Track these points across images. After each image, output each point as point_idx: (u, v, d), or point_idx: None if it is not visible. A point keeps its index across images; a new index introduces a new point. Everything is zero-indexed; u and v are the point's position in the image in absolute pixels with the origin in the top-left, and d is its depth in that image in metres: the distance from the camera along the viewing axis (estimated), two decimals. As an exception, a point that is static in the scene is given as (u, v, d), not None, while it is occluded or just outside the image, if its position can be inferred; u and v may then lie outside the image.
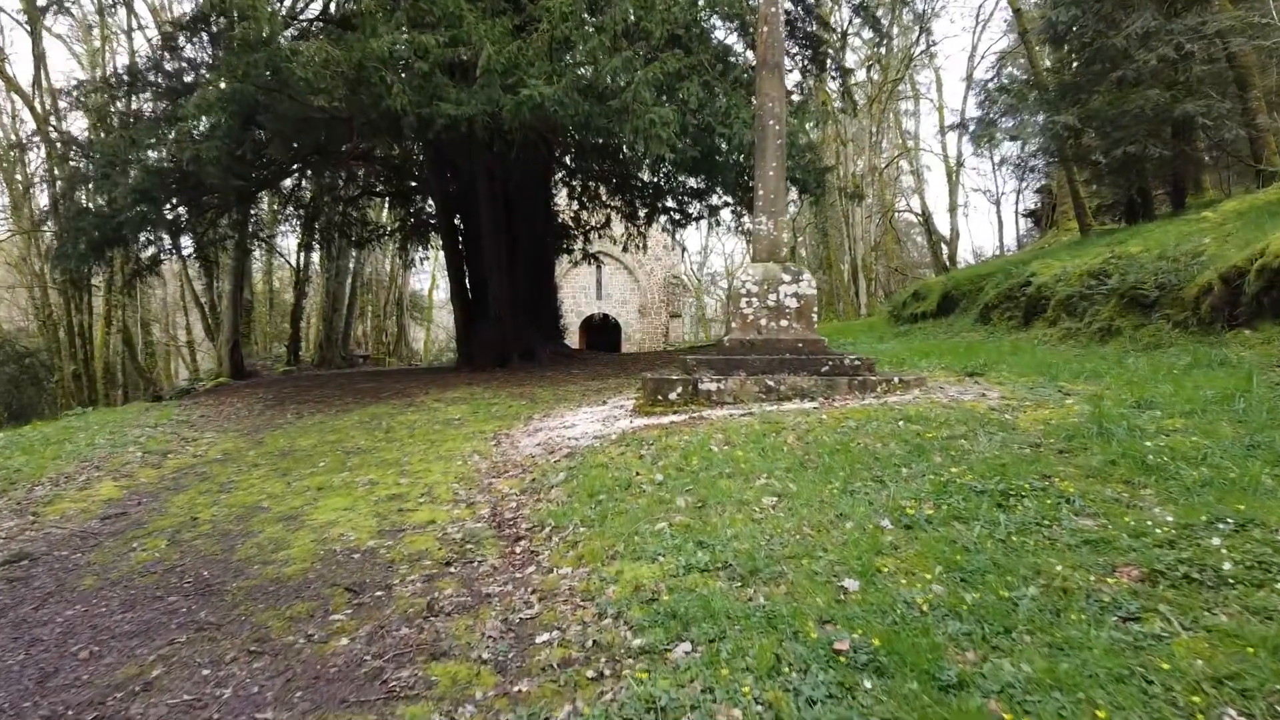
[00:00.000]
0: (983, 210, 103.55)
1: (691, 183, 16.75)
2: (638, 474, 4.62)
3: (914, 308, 15.55)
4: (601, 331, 35.21)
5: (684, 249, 37.50)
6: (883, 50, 25.95)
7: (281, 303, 27.74)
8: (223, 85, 10.39)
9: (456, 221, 14.75)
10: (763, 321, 7.27)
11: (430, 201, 15.58)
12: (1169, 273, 8.64)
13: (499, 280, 13.55)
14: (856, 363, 6.95)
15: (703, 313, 54.45)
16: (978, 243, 73.26)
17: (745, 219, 16.51)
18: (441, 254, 18.08)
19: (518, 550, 3.75)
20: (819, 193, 15.42)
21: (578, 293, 34.44)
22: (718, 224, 18.03)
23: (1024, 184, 27.90)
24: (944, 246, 27.98)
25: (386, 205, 17.65)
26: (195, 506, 5.21)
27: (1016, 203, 27.34)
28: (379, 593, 3.36)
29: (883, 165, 26.69)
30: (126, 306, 20.52)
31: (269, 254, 22.82)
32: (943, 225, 37.03)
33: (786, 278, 7.30)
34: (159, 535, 4.60)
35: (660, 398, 6.73)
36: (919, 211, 27.70)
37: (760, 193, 7.54)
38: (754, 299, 7.28)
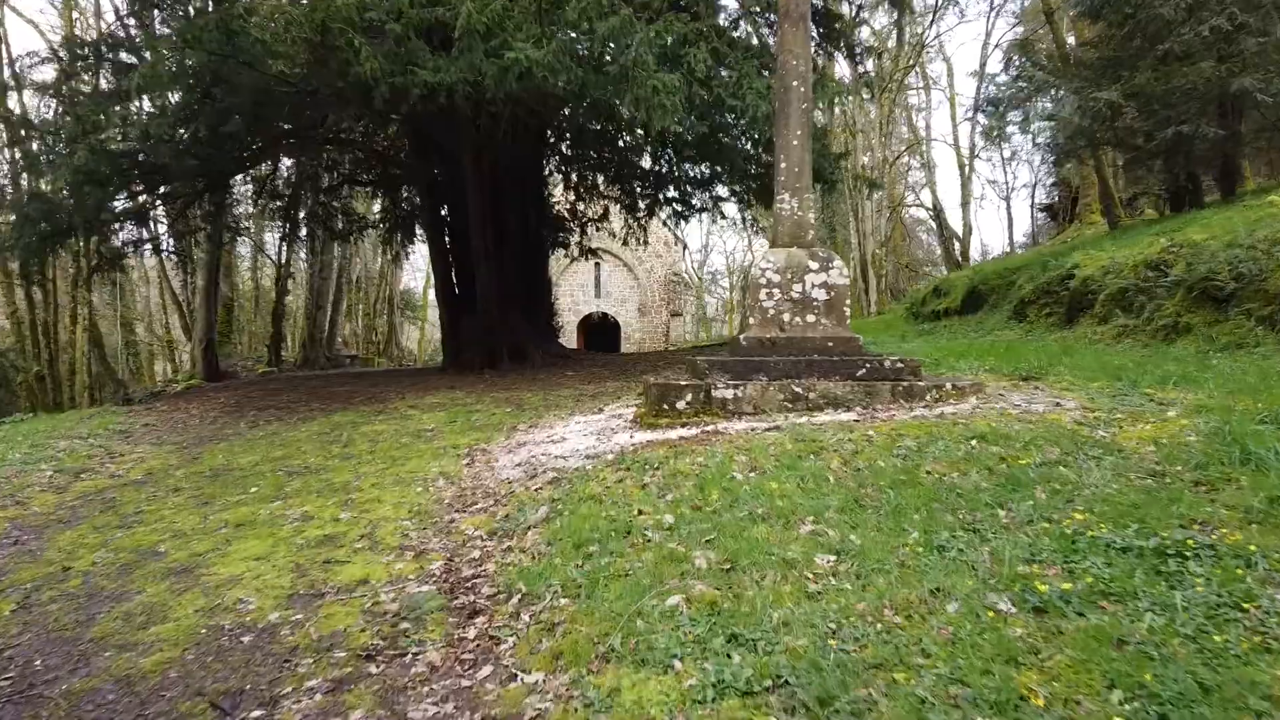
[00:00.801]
0: (990, 208, 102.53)
1: (695, 172, 15.67)
2: (640, 512, 3.52)
3: (935, 304, 14.47)
4: (600, 331, 34.13)
5: (685, 246, 36.42)
6: (891, 42, 24.89)
7: (269, 301, 26.64)
8: (176, 55, 9.30)
9: (443, 212, 13.65)
10: (786, 316, 6.17)
11: (417, 191, 14.46)
12: (1247, 262, 7.55)
13: (487, 274, 12.45)
14: (899, 365, 5.85)
15: (703, 312, 53.36)
16: (985, 240, 72.18)
17: (753, 211, 15.42)
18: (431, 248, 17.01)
19: (471, 634, 2.65)
20: (834, 179, 14.31)
21: (576, 290, 33.37)
22: (723, 216, 16.95)
23: (1037, 178, 26.83)
24: (955, 242, 26.90)
25: (370, 196, 16.54)
26: (78, 549, 4.11)
27: (1032, 196, 26.35)
28: (256, 712, 2.26)
29: (893, 158, 25.59)
30: (94, 303, 19.40)
31: (256, 250, 21.70)
32: (953, 221, 35.97)
33: (814, 265, 6.20)
34: (9, 595, 3.50)
35: (666, 407, 5.63)
36: (930, 206, 26.63)
37: (782, 165, 6.44)
38: (775, 290, 6.17)
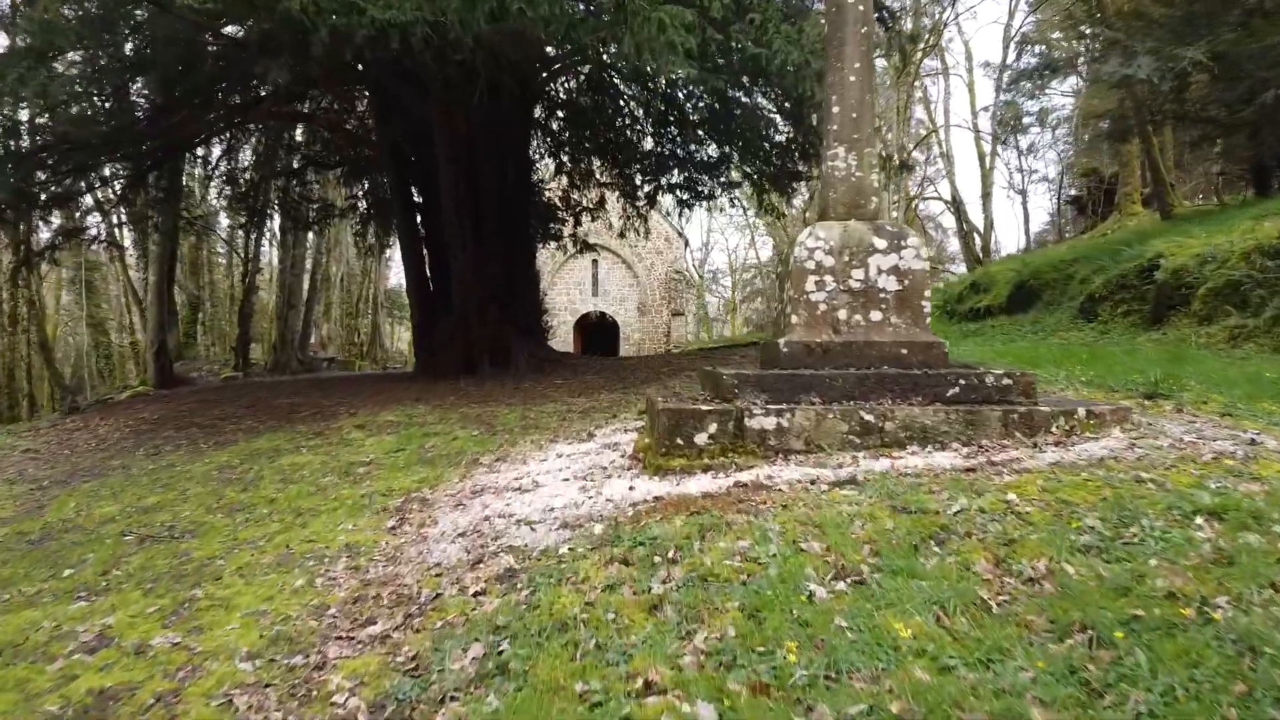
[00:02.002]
0: (1002, 202, 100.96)
1: (702, 154, 14.00)
2: (648, 686, 1.85)
3: (974, 301, 12.81)
4: (598, 331, 32.48)
5: (686, 241, 34.76)
6: (908, 23, 23.19)
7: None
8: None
9: (415, 197, 11.97)
10: (842, 314, 4.50)
11: (383, 169, 12.75)
12: None
13: (464, 266, 10.78)
14: (1005, 381, 4.18)
15: (705, 312, 51.69)
16: (999, 236, 70.41)
17: (768, 196, 13.75)
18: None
19: None
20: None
21: (572, 289, 31.71)
22: (733, 203, 15.27)
23: (1063, 168, 25.18)
24: (976, 237, 25.26)
25: (340, 182, 14.89)
26: None
27: (1059, 188, 24.69)
28: None
29: (912, 145, 23.93)
30: (53, 303, 17.71)
31: (230, 243, 19.99)
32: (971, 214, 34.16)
33: (880, 243, 4.54)
34: None
35: (680, 442, 3.96)
36: (949, 198, 24.96)
37: (834, 110, 4.77)
38: (828, 278, 4.50)
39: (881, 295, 4.50)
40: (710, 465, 3.79)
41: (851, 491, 3.12)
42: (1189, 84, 10.78)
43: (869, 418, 3.91)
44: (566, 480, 4.10)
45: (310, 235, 19.56)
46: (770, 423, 3.91)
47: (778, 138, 12.61)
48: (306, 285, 19.31)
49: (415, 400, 8.73)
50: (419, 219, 11.88)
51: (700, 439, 3.94)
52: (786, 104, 10.74)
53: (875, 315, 4.50)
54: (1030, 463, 3.45)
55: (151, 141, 11.08)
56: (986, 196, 24.53)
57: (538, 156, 15.28)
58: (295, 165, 13.47)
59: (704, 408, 4.03)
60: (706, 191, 14.70)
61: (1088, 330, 8.99)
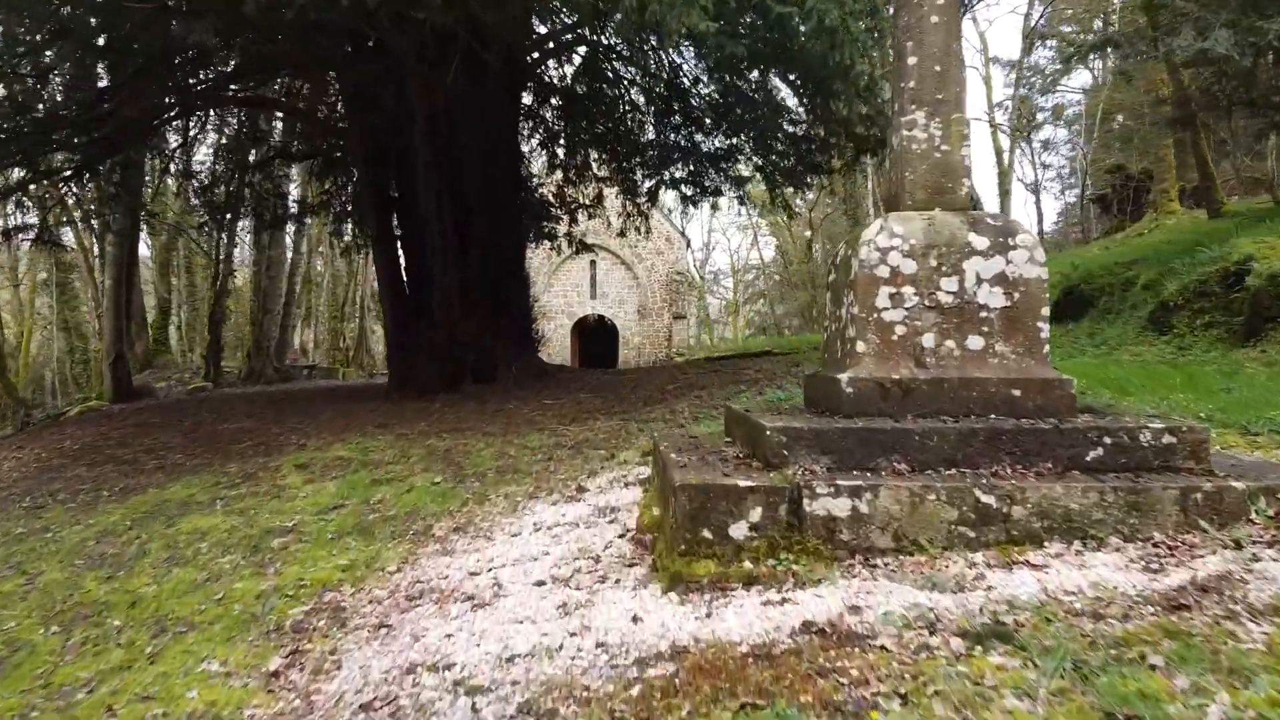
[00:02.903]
0: (1017, 200, 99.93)
1: (709, 146, 12.75)
2: None
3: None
4: (596, 335, 31.25)
5: (688, 242, 33.53)
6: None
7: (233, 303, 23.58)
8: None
9: (393, 193, 10.72)
10: (928, 339, 3.24)
11: (353, 158, 11.48)
12: None
13: (444, 268, 9.53)
14: (1166, 439, 2.92)
15: (706, 314, 50.40)
16: None
17: (781, 191, 12.48)
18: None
19: None
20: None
21: (569, 290, 30.48)
22: (743, 201, 14.03)
23: (1089, 164, 23.95)
24: (994, 237, 23.90)
25: (312, 176, 13.63)
26: None
27: (1082, 186, 23.44)
28: None
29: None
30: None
31: (200, 243, 18.70)
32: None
33: (979, 241, 3.28)
34: None
35: (709, 535, 2.70)
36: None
37: (909, 62, 3.52)
38: (908, 290, 3.24)
39: (983, 314, 3.25)
40: (755, 576, 2.54)
41: (1005, 657, 1.86)
42: (1262, 63, 9.55)
43: (987, 499, 2.65)
44: (541, 585, 2.84)
45: (290, 233, 18.31)
46: (841, 506, 2.65)
47: (790, 128, 11.38)
48: (284, 287, 18.03)
49: (379, 426, 7.48)
50: (394, 216, 10.62)
51: (738, 531, 2.68)
52: (807, 86, 9.50)
53: (974, 342, 3.24)
54: (1256, 588, 2.20)
55: (96, 130, 9.82)
56: (1005, 195, 23.29)
57: (530, 149, 14.05)
58: (263, 157, 12.19)
59: (741, 482, 2.77)
60: (713, 187, 13.44)
61: (1161, 345, 7.74)
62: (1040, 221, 35.06)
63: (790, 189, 12.15)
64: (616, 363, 30.37)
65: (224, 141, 11.96)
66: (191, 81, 10.27)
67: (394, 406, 8.90)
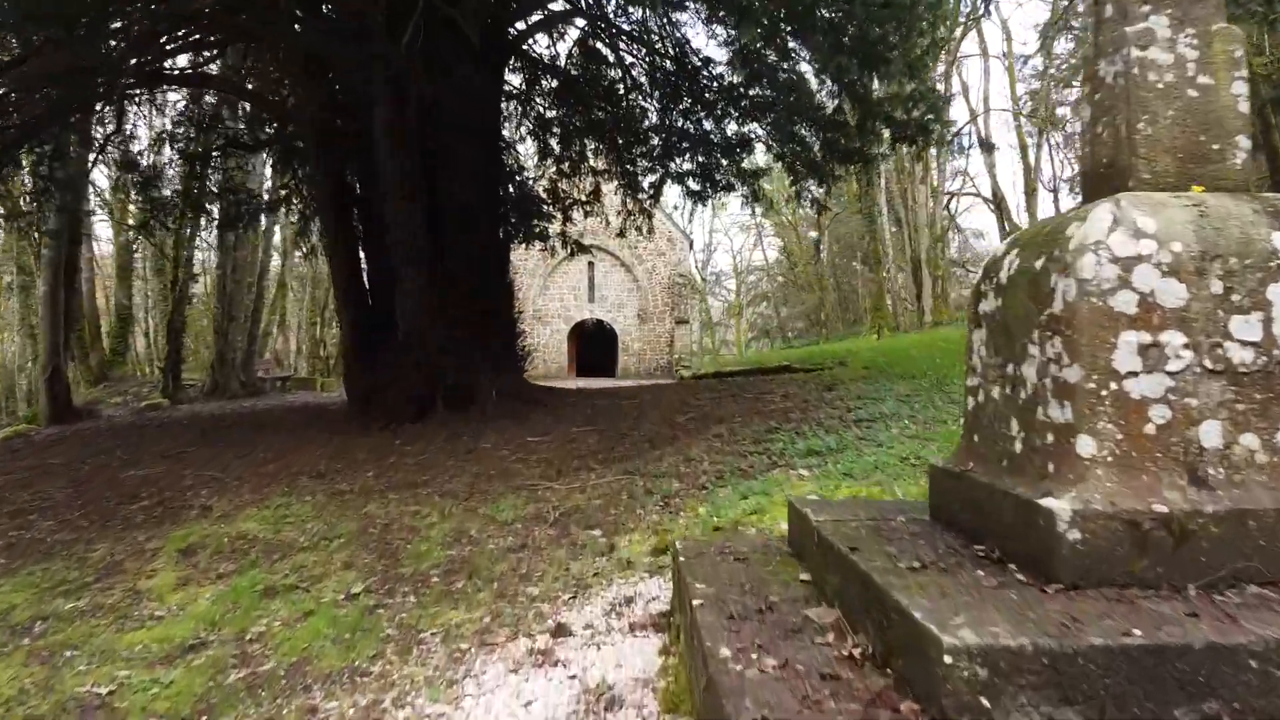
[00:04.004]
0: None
1: (717, 135, 11.21)
2: None
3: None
4: (594, 340, 29.76)
5: (692, 242, 31.99)
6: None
7: (196, 313, 21.93)
8: None
9: (349, 179, 9.18)
10: (1212, 435, 1.70)
11: (305, 139, 9.87)
12: None
13: (412, 275, 8.00)
14: None
15: (709, 316, 48.81)
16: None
17: (803, 186, 10.93)
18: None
19: None
20: (935, 135, 9.86)
21: (566, 294, 28.98)
22: (756, 198, 12.48)
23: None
24: (1019, 237, 22.44)
25: (276, 168, 12.09)
26: None
27: (1114, 182, 21.92)
28: None
29: (950, 135, 21.15)
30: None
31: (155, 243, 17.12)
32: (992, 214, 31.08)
33: (1296, 246, 1.74)
34: None
35: None
36: (990, 194, 22.19)
37: (1141, -71, 1.97)
38: (1174, 336, 1.70)
39: (1318, 384, 1.71)
40: None
41: None
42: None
43: None
44: None
45: (261, 231, 16.75)
46: None
47: (818, 111, 9.86)
48: (253, 292, 16.47)
49: (317, 476, 5.94)
50: (355, 212, 9.07)
51: None
52: (845, 59, 7.97)
53: (1302, 438, 1.70)
54: None
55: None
56: (1032, 193, 21.79)
57: (519, 137, 12.53)
58: (212, 145, 10.64)
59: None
60: (724, 181, 11.89)
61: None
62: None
63: (815, 183, 10.60)
64: (616, 369, 28.83)
65: (167, 129, 10.40)
66: (117, 56, 8.72)
67: (347, 441, 7.36)
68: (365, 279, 8.89)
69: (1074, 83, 31.24)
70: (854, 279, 41.90)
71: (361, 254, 8.97)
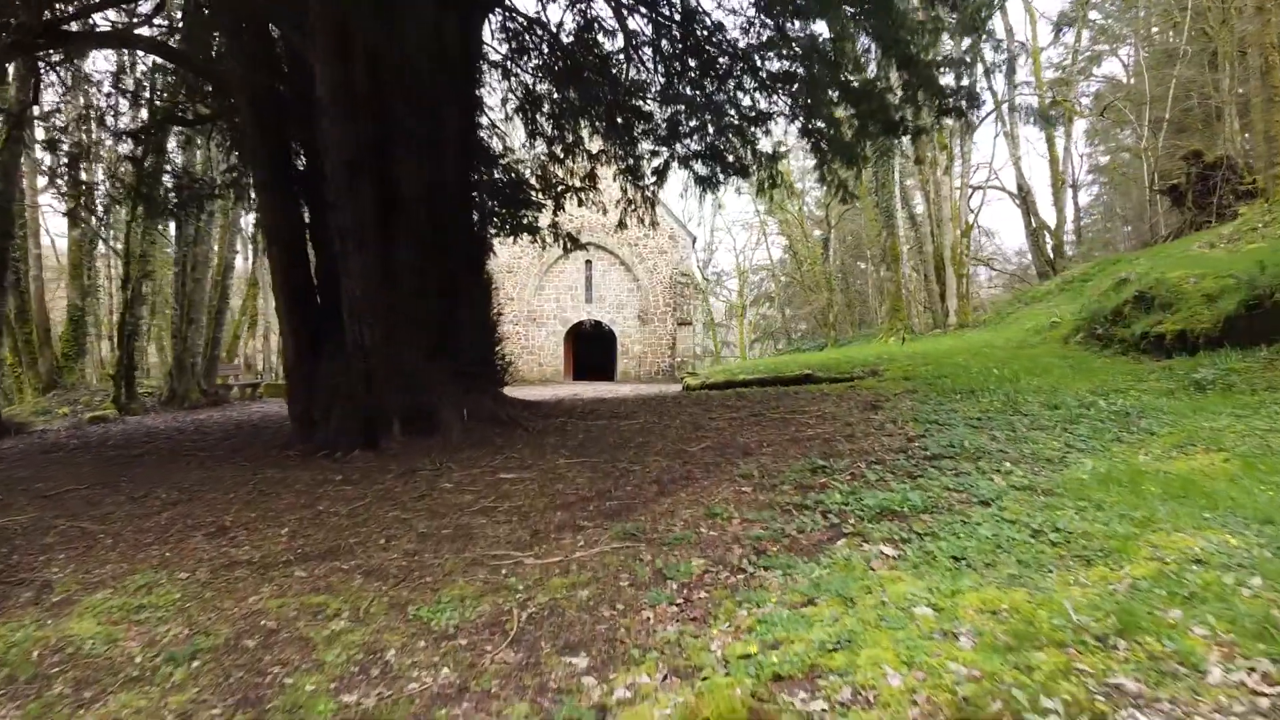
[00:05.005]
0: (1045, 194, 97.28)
1: (733, 107, 9.72)
2: None
3: (1146, 323, 8.56)
4: (592, 342, 28.32)
5: (694, 239, 30.52)
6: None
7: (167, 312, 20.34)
8: None
9: (296, 161, 7.70)
10: None
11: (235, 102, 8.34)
12: None
13: (362, 269, 6.51)
14: None
15: (711, 317, 47.27)
16: (1016, 241, 64.27)
17: (837, 168, 9.43)
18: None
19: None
20: (976, 113, 8.39)
21: (562, 293, 27.54)
22: (773, 184, 10.99)
23: (1160, 148, 20.95)
24: (1046, 235, 21.09)
25: (223, 149, 10.58)
26: None
27: (1150, 175, 20.42)
28: None
29: (978, 121, 19.68)
30: None
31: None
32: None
33: None
34: None
35: None
36: (1016, 188, 20.71)
37: None
38: None
39: None
40: None
41: None
42: None
43: None
44: None
45: (223, 224, 15.25)
46: None
47: (851, 78, 8.38)
48: (216, 291, 14.97)
49: (216, 532, 4.46)
50: (303, 198, 7.59)
51: None
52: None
53: None
54: None
55: None
56: (1061, 185, 20.32)
57: (504, 115, 11.05)
58: (145, 123, 9.14)
59: None
60: (736, 164, 10.41)
61: None
62: (1077, 214, 32.11)
63: (844, 164, 9.11)
64: (615, 373, 27.37)
65: (91, 100, 8.90)
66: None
67: (275, 477, 5.87)
68: (313, 274, 7.40)
69: (1093, 72, 29.81)
70: (861, 279, 40.42)
71: (310, 246, 7.47)
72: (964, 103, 7.99)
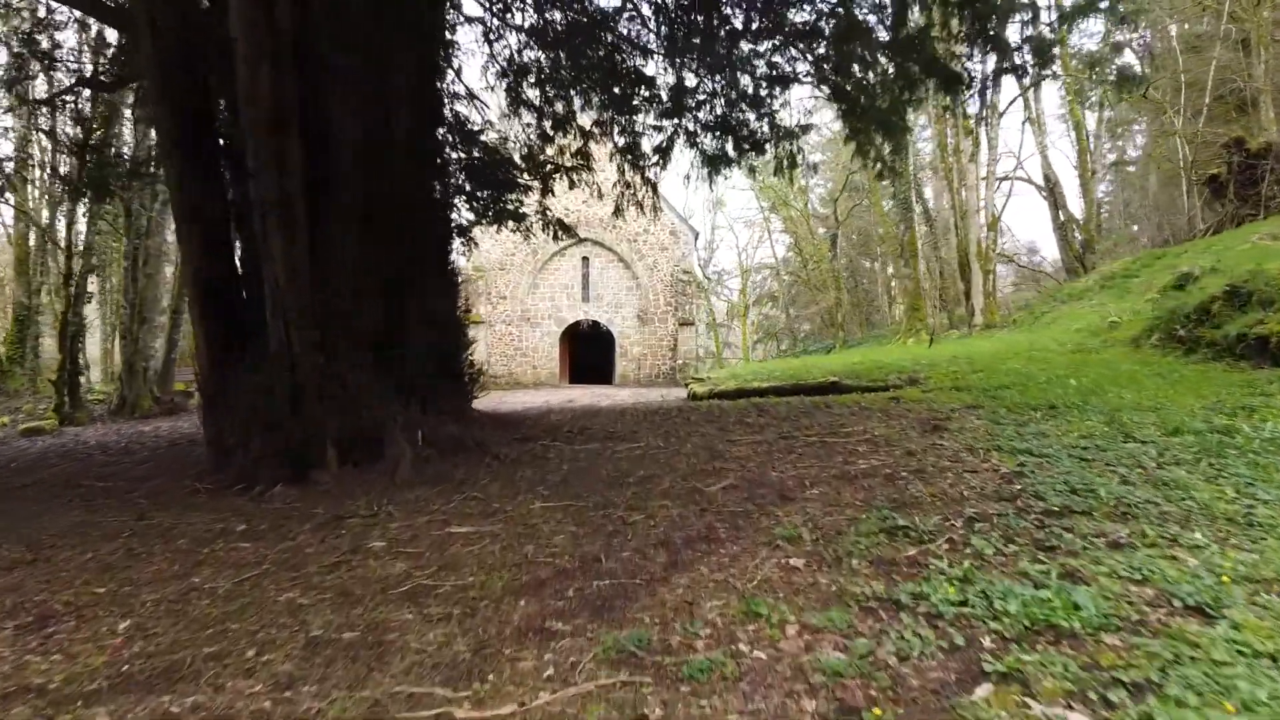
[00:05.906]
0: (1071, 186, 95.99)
1: (749, 67, 8.31)
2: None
3: (1242, 324, 7.16)
4: (589, 343, 26.95)
5: (696, 234, 29.12)
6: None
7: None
8: None
9: (214, 123, 6.30)
10: None
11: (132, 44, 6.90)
12: None
13: (286, 255, 5.10)
14: None
15: (713, 316, 45.83)
16: (1027, 235, 62.50)
17: (875, 143, 8.01)
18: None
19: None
20: (1044, 72, 7.00)
21: (558, 292, 26.14)
22: (793, 163, 9.57)
23: (1197, 136, 19.57)
24: (1075, 229, 19.70)
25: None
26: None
27: (1186, 168, 19.03)
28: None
29: (1003, 107, 18.26)
30: None
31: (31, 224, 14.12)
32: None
33: None
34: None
35: None
36: (1042, 179, 19.30)
37: None
38: None
39: None
40: None
41: None
42: None
43: None
44: None
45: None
46: None
47: (883, 34, 6.99)
48: (170, 288, 13.55)
49: (33, 623, 3.06)
50: (228, 171, 6.16)
51: None
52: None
53: None
54: None
55: None
56: (1089, 176, 18.93)
57: (485, 85, 9.64)
58: (55, 90, 7.73)
59: None
60: (751, 139, 9.01)
61: None
62: (1097, 209, 30.71)
63: (881, 136, 7.71)
64: (614, 375, 25.99)
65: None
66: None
67: (162, 525, 4.47)
68: (238, 265, 5.99)
69: (1115, 61, 28.41)
70: (868, 278, 39.00)
71: (234, 230, 6.04)
72: (1035, 58, 6.59)
